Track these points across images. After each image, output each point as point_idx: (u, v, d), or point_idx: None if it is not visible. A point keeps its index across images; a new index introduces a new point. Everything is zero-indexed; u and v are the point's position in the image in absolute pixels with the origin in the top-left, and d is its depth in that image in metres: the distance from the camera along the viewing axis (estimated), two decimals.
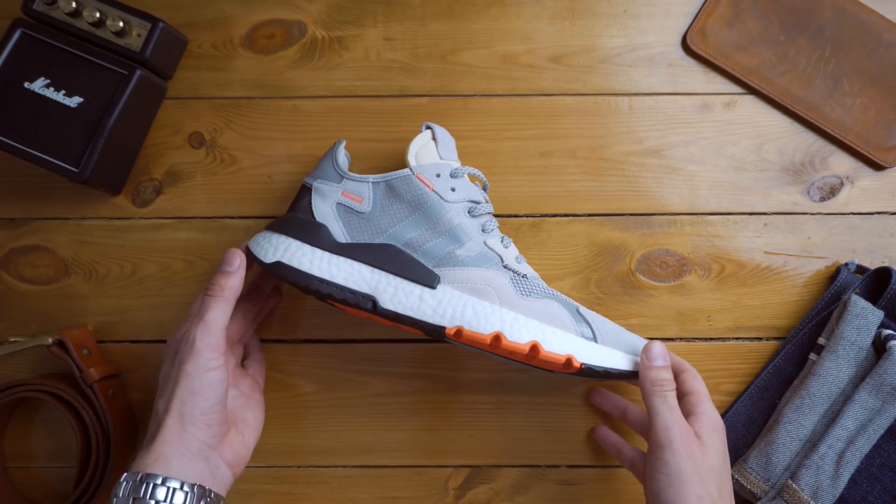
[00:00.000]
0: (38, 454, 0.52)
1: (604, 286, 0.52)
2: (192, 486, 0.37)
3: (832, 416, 0.48)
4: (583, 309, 0.44)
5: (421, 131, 0.46)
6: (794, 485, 0.47)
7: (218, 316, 0.40)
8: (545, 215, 0.53)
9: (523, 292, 0.43)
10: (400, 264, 0.43)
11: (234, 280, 0.41)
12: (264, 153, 0.53)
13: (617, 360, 0.43)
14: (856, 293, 0.49)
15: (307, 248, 0.43)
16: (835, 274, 0.51)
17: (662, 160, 0.53)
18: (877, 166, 0.52)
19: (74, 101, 0.49)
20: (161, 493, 0.36)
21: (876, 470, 0.48)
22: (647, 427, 0.42)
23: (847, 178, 0.53)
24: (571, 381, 0.52)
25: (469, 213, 0.45)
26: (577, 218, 0.53)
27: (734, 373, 0.52)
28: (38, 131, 0.48)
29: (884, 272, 0.49)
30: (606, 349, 0.43)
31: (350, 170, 0.51)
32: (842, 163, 0.53)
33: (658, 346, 0.42)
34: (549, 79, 0.53)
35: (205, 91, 0.54)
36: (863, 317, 0.48)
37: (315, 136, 0.53)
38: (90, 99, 0.49)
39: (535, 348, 0.41)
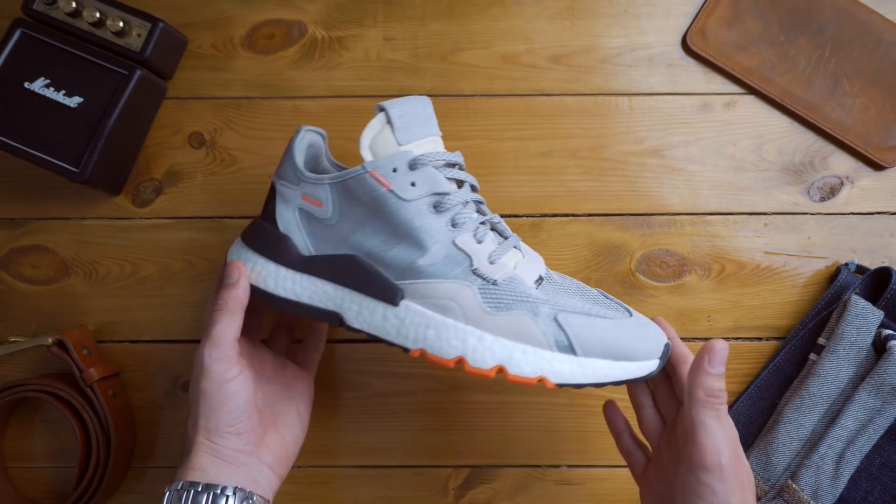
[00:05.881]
0: (38, 454, 0.52)
1: (604, 286, 0.52)
2: (234, 489, 0.37)
3: (832, 416, 0.48)
4: (564, 315, 0.38)
5: (375, 114, 0.39)
6: (794, 485, 0.47)
7: (224, 329, 0.39)
8: (545, 215, 0.53)
9: (491, 305, 0.38)
10: (361, 279, 0.39)
11: (235, 291, 0.40)
12: (264, 153, 0.53)
13: (600, 372, 0.37)
14: (856, 293, 0.49)
15: (271, 266, 0.41)
16: (835, 274, 0.51)
17: (662, 160, 0.53)
18: (877, 166, 0.52)
19: (74, 101, 0.49)
20: (203, 499, 0.36)
21: (876, 470, 0.48)
22: (668, 436, 0.39)
23: (847, 178, 0.53)
24: None
25: (434, 208, 0.38)
26: (578, 218, 0.53)
27: (734, 373, 0.52)
28: (38, 131, 0.48)
29: (884, 272, 0.49)
30: (588, 361, 0.37)
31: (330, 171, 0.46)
32: (842, 163, 0.53)
33: (723, 350, 0.35)
34: (550, 79, 0.53)
35: (205, 91, 0.54)
36: (863, 317, 0.48)
37: None
38: (90, 99, 0.49)
39: (501, 372, 0.37)
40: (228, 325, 0.39)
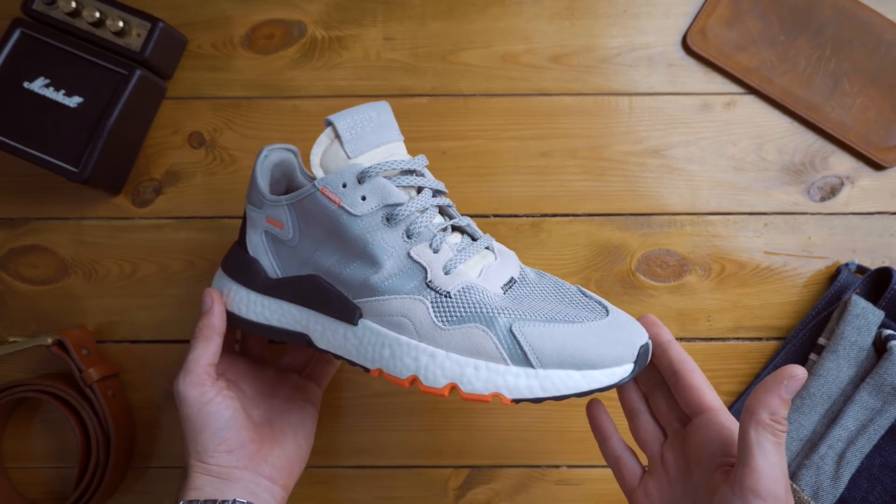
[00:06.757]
0: (38, 454, 0.52)
1: (604, 286, 0.52)
2: (233, 501, 0.38)
3: (832, 417, 0.48)
4: (519, 324, 0.35)
5: (324, 130, 0.38)
6: (794, 485, 0.47)
7: (198, 356, 0.40)
8: (545, 215, 0.53)
9: (443, 320, 0.36)
10: (322, 300, 0.39)
11: (208, 319, 0.41)
12: None
13: (560, 384, 0.35)
14: (856, 293, 0.49)
15: (243, 291, 0.41)
16: (835, 274, 0.51)
17: (662, 160, 0.53)
18: (877, 166, 0.52)
19: (74, 101, 0.49)
20: None
21: (876, 470, 0.48)
22: (675, 446, 0.37)
23: (847, 177, 0.53)
24: None
25: (387, 220, 0.37)
26: (578, 218, 0.53)
27: (734, 373, 0.52)
28: (37, 131, 0.48)
29: (884, 272, 0.49)
30: (547, 373, 0.35)
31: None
32: (842, 163, 0.53)
33: (803, 378, 0.32)
34: (550, 79, 0.53)
35: (205, 91, 0.54)
36: (863, 317, 0.48)
37: (315, 136, 0.53)
38: (90, 99, 0.49)
39: (454, 390, 0.36)
40: (203, 352, 0.40)
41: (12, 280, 0.53)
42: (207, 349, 0.40)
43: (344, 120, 0.37)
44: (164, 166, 0.53)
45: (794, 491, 0.47)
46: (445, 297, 0.36)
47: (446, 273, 0.37)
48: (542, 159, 0.53)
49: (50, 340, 0.49)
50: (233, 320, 0.42)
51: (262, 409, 0.44)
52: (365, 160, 0.37)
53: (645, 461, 0.40)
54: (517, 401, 0.35)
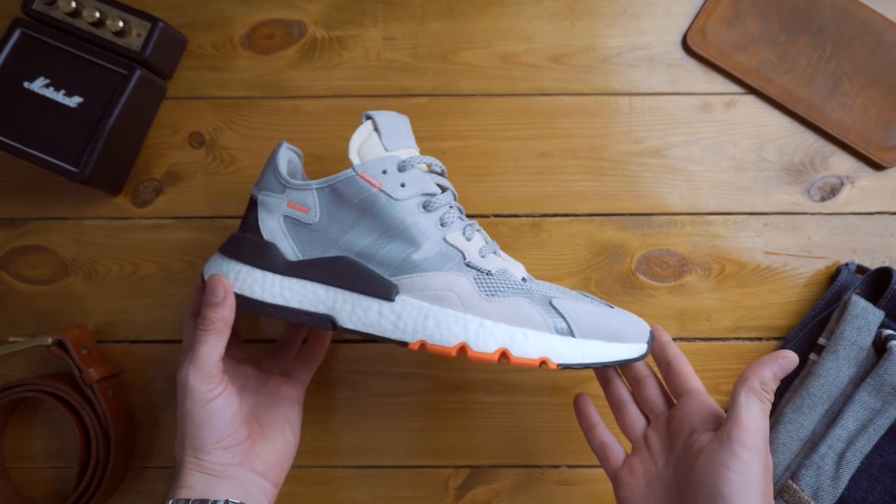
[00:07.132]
0: (38, 454, 0.52)
1: (604, 286, 0.52)
2: (224, 501, 0.37)
3: (832, 417, 0.48)
4: (557, 300, 0.40)
5: (362, 123, 0.41)
6: (794, 485, 0.47)
7: (210, 350, 0.39)
8: (545, 215, 0.53)
9: (488, 293, 0.39)
10: (354, 278, 0.40)
11: (221, 312, 0.39)
12: (264, 153, 0.53)
13: (598, 352, 0.39)
14: (856, 293, 0.49)
15: (258, 272, 0.41)
16: (835, 274, 0.51)
17: (663, 160, 0.53)
18: (877, 166, 0.52)
19: (74, 101, 0.49)
20: None
21: (876, 470, 0.48)
22: (658, 425, 0.41)
23: (847, 178, 0.53)
24: (572, 381, 0.52)
25: (424, 207, 0.40)
26: (578, 218, 0.53)
27: (734, 373, 0.52)
28: (37, 131, 0.48)
29: (884, 272, 0.49)
30: (586, 342, 0.39)
31: (329, 170, 0.47)
32: (842, 163, 0.53)
33: (795, 363, 0.38)
34: (550, 78, 0.53)
35: (205, 91, 0.54)
36: (863, 317, 0.48)
37: (315, 135, 0.53)
38: (90, 99, 0.49)
39: (504, 355, 0.38)
40: (215, 346, 0.39)
41: (12, 280, 0.53)
42: (220, 343, 0.39)
43: (382, 117, 0.41)
44: (164, 166, 0.53)
45: (794, 491, 0.47)
46: (487, 274, 0.40)
47: (482, 257, 0.40)
48: (542, 159, 0.53)
49: (50, 340, 0.49)
50: (243, 303, 0.41)
51: (248, 406, 0.43)
52: (401, 154, 0.41)
53: (629, 449, 0.43)
54: (563, 366, 0.38)
